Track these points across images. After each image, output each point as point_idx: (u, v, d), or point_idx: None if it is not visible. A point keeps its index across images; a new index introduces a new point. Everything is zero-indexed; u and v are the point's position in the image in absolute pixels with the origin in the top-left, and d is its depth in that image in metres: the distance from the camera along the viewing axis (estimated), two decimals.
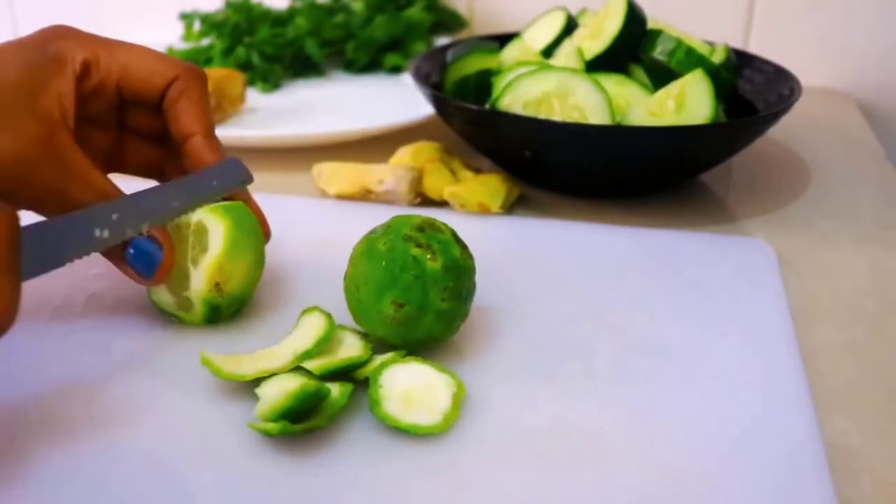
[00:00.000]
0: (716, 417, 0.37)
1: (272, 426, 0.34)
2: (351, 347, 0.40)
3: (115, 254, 0.41)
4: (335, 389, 0.36)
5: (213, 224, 0.42)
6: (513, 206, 0.60)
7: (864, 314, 0.47)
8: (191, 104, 0.43)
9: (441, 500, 0.32)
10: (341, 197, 0.59)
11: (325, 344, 0.39)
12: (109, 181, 0.41)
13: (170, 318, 0.43)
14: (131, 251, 0.40)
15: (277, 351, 0.39)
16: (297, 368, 0.38)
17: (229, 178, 0.44)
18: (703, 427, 0.36)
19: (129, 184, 0.48)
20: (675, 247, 0.52)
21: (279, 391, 0.35)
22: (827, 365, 0.42)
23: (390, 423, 0.35)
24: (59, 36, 0.42)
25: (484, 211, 0.57)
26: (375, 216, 0.56)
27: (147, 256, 0.40)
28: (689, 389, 0.39)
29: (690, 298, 0.46)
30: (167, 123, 0.44)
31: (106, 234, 0.38)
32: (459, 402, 0.36)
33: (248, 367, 0.38)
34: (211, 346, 0.42)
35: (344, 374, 0.38)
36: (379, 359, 0.39)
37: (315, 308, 0.41)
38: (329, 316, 0.40)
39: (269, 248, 0.51)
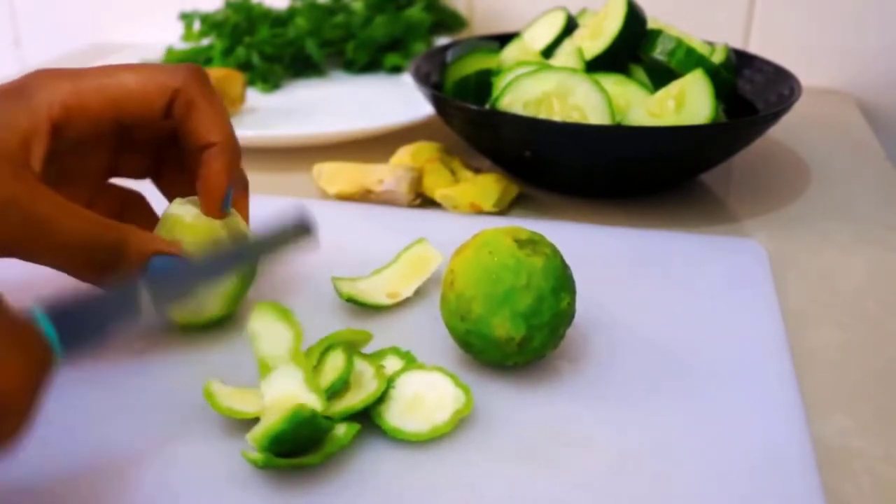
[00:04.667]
0: (704, 418, 0.37)
1: (257, 457, 0.32)
2: (368, 381, 0.37)
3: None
4: (341, 428, 0.34)
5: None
6: (512, 206, 0.60)
7: (864, 314, 0.47)
8: (203, 115, 0.41)
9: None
10: (341, 197, 0.59)
11: (339, 386, 0.36)
12: (100, 217, 0.38)
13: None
14: (151, 275, 0.37)
15: None
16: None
17: (289, 236, 0.40)
18: (692, 428, 0.36)
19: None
20: (667, 247, 0.52)
21: (272, 414, 0.34)
22: (827, 364, 0.42)
23: (378, 421, 0.35)
24: (38, 85, 0.39)
25: (476, 211, 0.57)
26: (375, 216, 0.57)
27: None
28: (678, 390, 0.39)
29: (681, 299, 0.46)
30: (181, 139, 0.42)
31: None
32: (459, 419, 0.36)
33: (251, 403, 0.36)
34: (207, 348, 0.42)
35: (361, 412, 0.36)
36: (399, 363, 0.39)
37: (338, 346, 0.38)
38: (348, 353, 0.37)
39: None
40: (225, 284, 0.42)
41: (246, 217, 0.45)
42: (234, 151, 0.42)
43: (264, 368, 0.37)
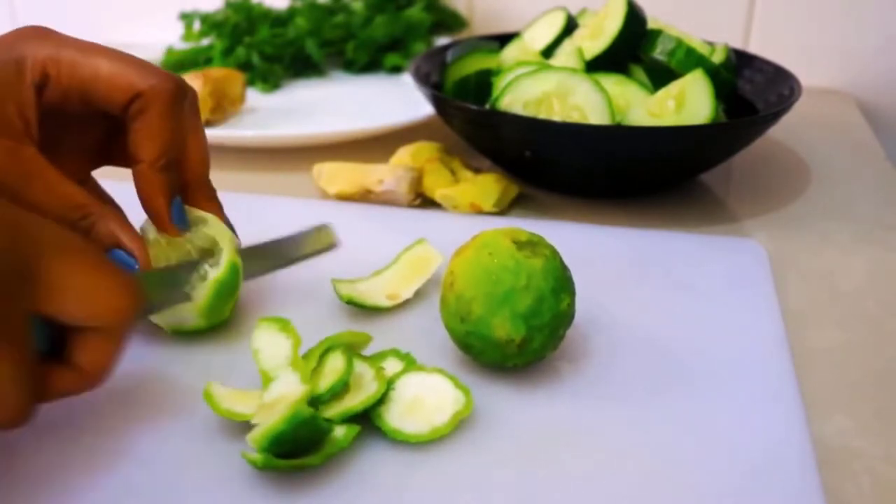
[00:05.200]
0: (704, 418, 0.37)
1: (257, 458, 0.32)
2: (368, 383, 0.37)
3: None
4: (341, 430, 0.34)
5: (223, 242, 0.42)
6: (512, 206, 0.60)
7: (864, 314, 0.47)
8: (144, 128, 0.40)
9: None
10: (341, 197, 0.59)
11: (339, 388, 0.36)
12: (80, 191, 0.39)
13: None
14: None
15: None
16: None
17: (315, 246, 0.44)
18: (692, 428, 0.36)
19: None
20: (667, 247, 0.52)
21: (271, 414, 0.33)
22: (827, 365, 0.42)
23: (378, 423, 0.35)
24: (27, 38, 0.40)
25: (476, 211, 0.57)
26: (375, 216, 0.57)
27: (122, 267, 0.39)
28: (678, 390, 0.39)
29: (681, 299, 0.46)
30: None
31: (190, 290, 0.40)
32: (458, 420, 0.36)
33: (251, 405, 0.36)
34: (207, 349, 0.42)
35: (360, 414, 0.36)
36: (400, 365, 0.39)
37: (338, 347, 0.38)
38: (349, 356, 0.37)
39: None
40: (199, 298, 0.41)
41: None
42: (166, 179, 0.41)
43: (266, 380, 0.37)
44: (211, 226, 0.42)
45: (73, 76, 0.39)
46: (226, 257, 0.41)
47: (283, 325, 0.39)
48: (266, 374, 0.37)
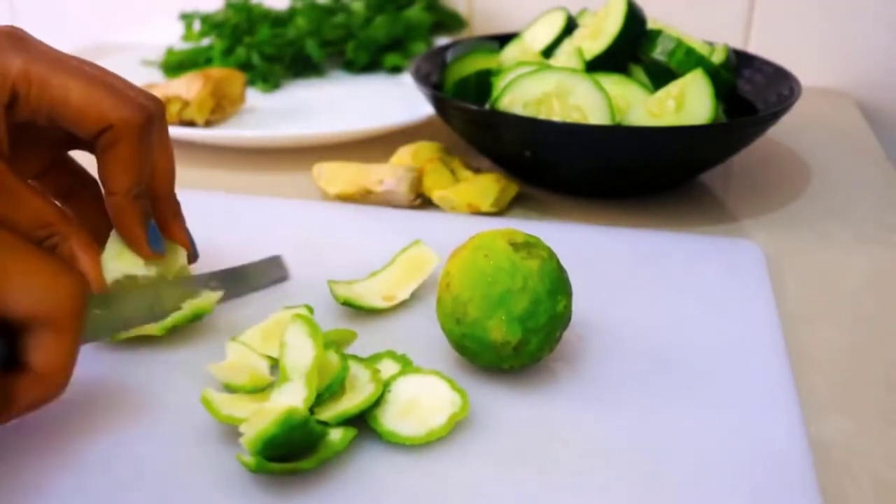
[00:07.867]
0: (701, 420, 0.37)
1: (251, 461, 0.32)
2: (364, 385, 0.37)
3: None
4: (337, 433, 0.34)
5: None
6: (511, 207, 0.60)
7: (864, 314, 0.47)
8: (115, 161, 0.39)
9: None
10: (341, 197, 0.59)
11: (336, 386, 0.36)
12: (48, 208, 0.39)
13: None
14: None
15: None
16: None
17: (265, 278, 0.46)
18: (689, 430, 0.36)
19: None
20: (666, 247, 0.52)
21: (265, 417, 0.33)
22: (826, 365, 0.42)
23: (374, 424, 0.35)
24: (1, 48, 0.38)
25: (474, 211, 0.57)
26: (375, 216, 0.57)
27: None
28: (675, 392, 0.39)
29: (678, 300, 0.46)
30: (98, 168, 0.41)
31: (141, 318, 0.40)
32: (455, 422, 0.35)
33: (249, 408, 0.35)
34: (200, 348, 0.42)
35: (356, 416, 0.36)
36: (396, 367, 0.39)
37: (331, 347, 0.38)
38: (344, 357, 0.37)
39: (269, 248, 0.51)
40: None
41: (185, 244, 0.44)
42: (141, 208, 0.40)
43: (283, 377, 0.36)
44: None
45: (43, 98, 0.38)
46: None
47: (315, 332, 0.38)
48: (284, 370, 0.36)
